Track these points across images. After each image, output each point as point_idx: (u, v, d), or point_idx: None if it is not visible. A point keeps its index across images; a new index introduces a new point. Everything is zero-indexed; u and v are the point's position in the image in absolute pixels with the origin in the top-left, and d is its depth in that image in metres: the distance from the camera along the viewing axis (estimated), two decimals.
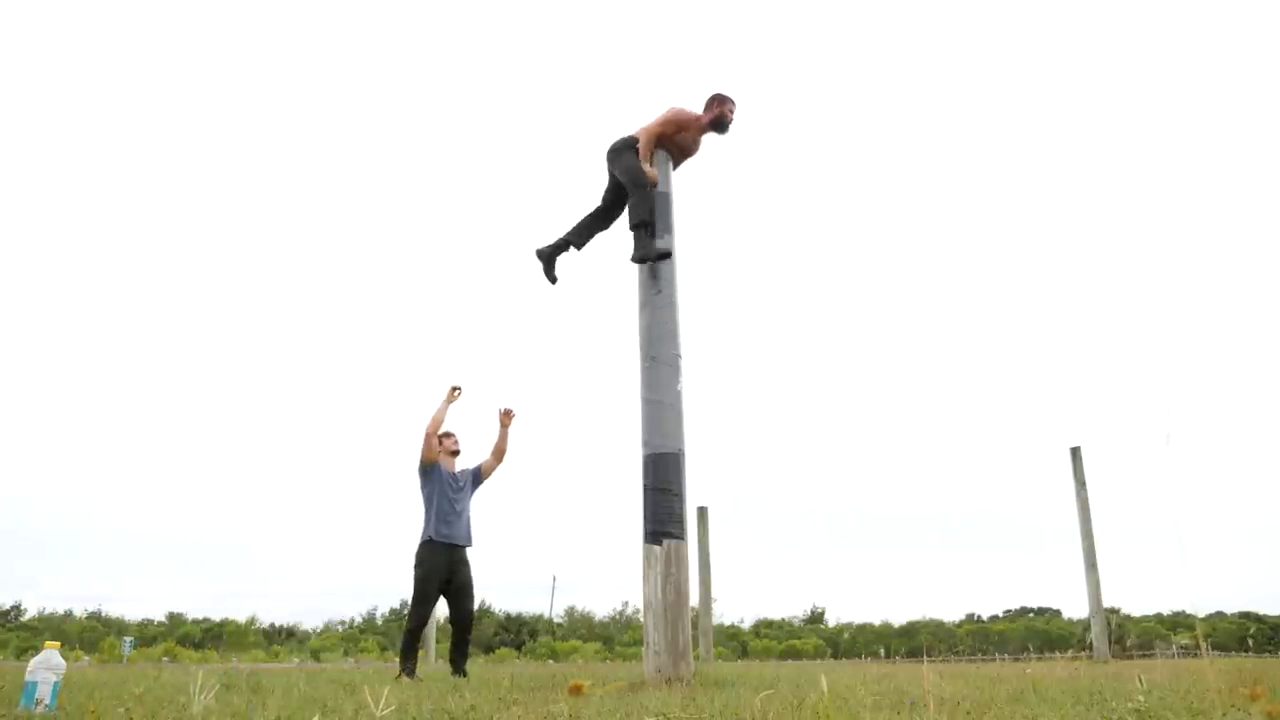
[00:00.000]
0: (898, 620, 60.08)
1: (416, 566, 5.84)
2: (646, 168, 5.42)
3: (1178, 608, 52.61)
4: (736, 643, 53.56)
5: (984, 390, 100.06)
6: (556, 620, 57.59)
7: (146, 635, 48.61)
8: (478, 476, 6.25)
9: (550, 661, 32.15)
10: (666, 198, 5.41)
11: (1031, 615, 62.55)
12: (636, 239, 5.33)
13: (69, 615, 52.72)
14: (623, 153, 5.53)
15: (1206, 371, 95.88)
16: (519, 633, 54.40)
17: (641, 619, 4.79)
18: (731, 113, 5.58)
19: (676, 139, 5.58)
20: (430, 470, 6.03)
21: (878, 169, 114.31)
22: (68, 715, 2.79)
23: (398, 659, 5.72)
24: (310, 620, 59.84)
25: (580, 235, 5.68)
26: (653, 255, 5.24)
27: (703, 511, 10.22)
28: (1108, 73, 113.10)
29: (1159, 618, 54.23)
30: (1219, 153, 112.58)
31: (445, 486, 6.03)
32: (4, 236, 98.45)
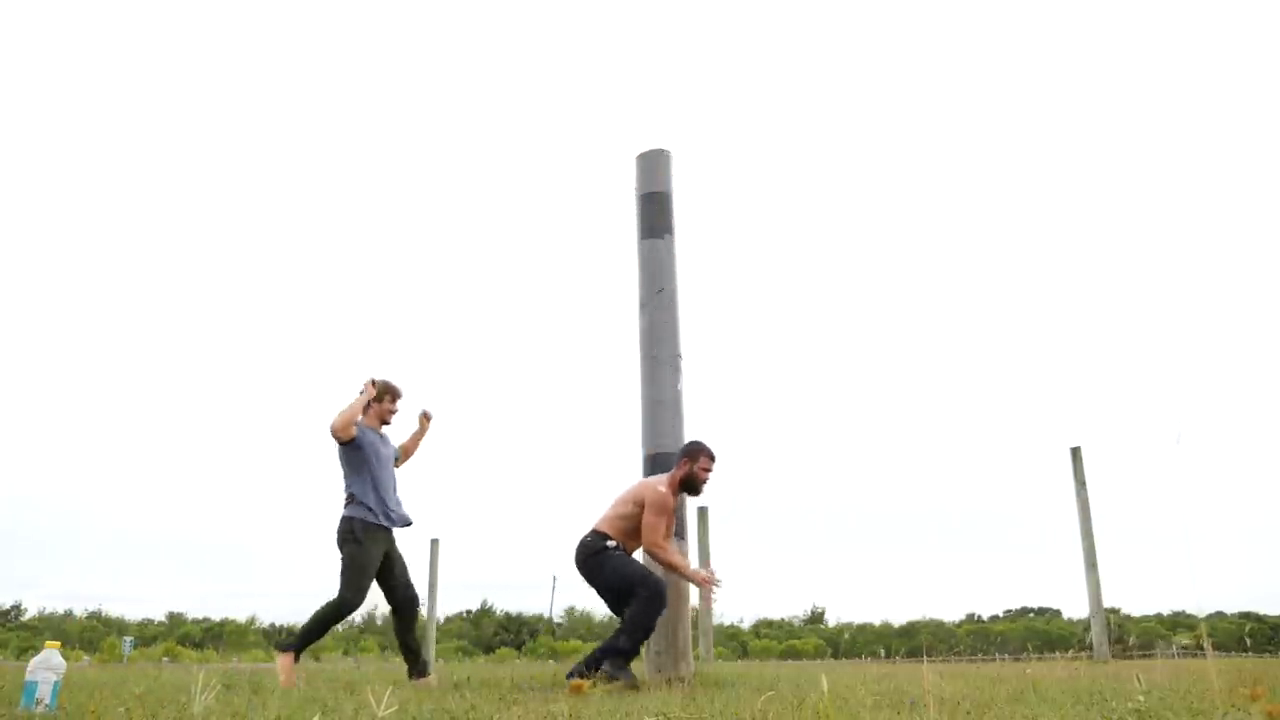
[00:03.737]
0: (898, 620, 60.20)
1: (353, 543, 4.77)
2: (690, 568, 4.58)
3: (1178, 608, 52.64)
4: (736, 643, 53.58)
5: (984, 390, 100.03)
6: (556, 620, 57.62)
7: (146, 635, 48.68)
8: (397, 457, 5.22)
9: (550, 661, 32.12)
10: (667, 197, 5.39)
11: (1031, 615, 62.57)
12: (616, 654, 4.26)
13: (69, 615, 52.93)
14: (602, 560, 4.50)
15: (1204, 371, 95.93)
16: (519, 633, 54.45)
17: None
18: (705, 472, 4.61)
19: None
20: (353, 440, 4.88)
21: (878, 168, 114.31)
22: (68, 715, 2.79)
23: (292, 645, 4.68)
24: None
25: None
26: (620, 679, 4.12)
27: (703, 511, 10.20)
28: (1109, 70, 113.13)
29: (1159, 618, 54.27)
30: (1222, 149, 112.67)
31: (382, 455, 4.99)
32: (4, 237, 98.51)
